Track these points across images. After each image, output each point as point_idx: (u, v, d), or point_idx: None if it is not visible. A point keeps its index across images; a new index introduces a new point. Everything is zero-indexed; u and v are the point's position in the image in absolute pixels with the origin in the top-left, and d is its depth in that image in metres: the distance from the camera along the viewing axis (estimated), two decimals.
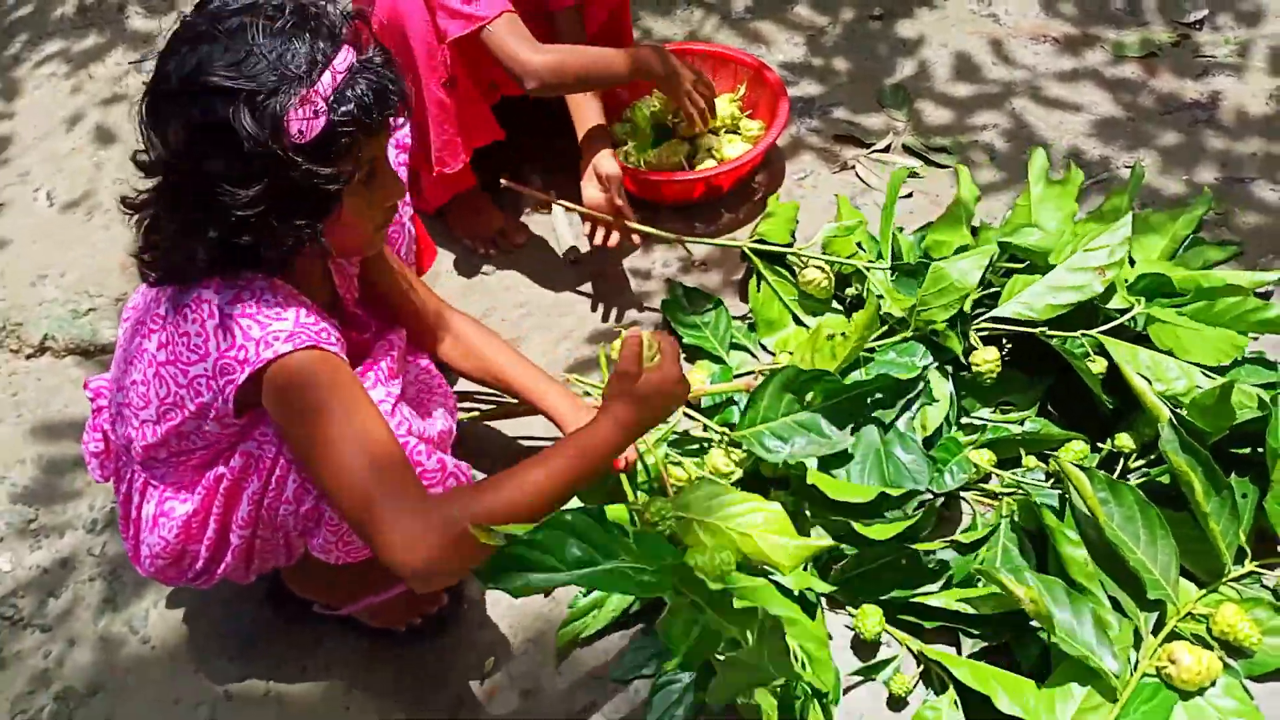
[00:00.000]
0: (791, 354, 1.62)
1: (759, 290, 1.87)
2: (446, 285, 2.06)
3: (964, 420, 1.64)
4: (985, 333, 1.60)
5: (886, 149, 2.26)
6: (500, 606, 1.60)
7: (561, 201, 1.92)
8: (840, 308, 1.84)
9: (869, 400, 1.52)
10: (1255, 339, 1.66)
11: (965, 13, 2.58)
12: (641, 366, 1.21)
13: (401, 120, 1.17)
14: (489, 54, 1.76)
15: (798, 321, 1.85)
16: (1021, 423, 1.63)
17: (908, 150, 2.25)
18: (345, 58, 1.09)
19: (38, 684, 1.58)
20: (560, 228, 2.11)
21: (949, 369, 1.62)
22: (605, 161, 1.88)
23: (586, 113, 1.97)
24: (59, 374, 2.01)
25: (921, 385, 1.54)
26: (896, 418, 1.52)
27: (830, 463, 1.52)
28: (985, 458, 1.58)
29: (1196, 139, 2.22)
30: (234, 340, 1.12)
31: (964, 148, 2.25)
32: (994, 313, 1.57)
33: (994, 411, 1.66)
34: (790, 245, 1.89)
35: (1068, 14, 2.55)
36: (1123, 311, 1.57)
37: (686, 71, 1.93)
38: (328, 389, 1.12)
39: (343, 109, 1.07)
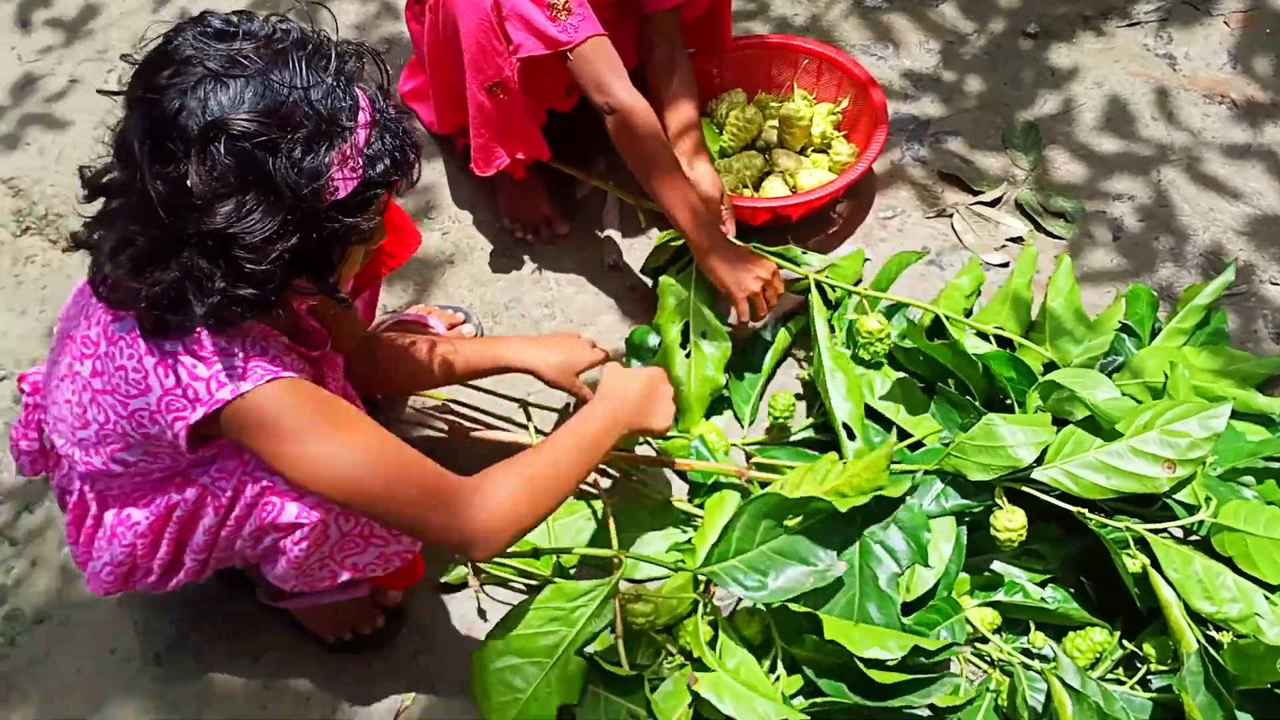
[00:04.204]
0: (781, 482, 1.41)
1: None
2: (477, 268, 1.93)
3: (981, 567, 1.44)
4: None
5: (995, 202, 1.98)
6: (439, 638, 1.53)
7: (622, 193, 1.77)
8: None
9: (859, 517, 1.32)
10: None
11: (1137, 47, 2.21)
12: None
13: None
14: (558, 78, 1.61)
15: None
16: (1043, 584, 1.43)
17: (1019, 207, 1.97)
18: (367, 109, 1.03)
19: None
20: (610, 229, 1.94)
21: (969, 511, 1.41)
22: (705, 182, 1.70)
23: (682, 110, 1.75)
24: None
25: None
26: (879, 564, 1.32)
27: (817, 600, 1.31)
28: (987, 619, 1.39)
29: None
30: (178, 379, 1.06)
31: (1086, 217, 1.95)
32: (1032, 474, 1.34)
33: (1016, 560, 1.45)
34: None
35: (1259, 72, 2.15)
36: (1189, 509, 1.31)
37: (752, 273, 1.60)
38: (312, 408, 1.09)
39: (379, 167, 1.03)
